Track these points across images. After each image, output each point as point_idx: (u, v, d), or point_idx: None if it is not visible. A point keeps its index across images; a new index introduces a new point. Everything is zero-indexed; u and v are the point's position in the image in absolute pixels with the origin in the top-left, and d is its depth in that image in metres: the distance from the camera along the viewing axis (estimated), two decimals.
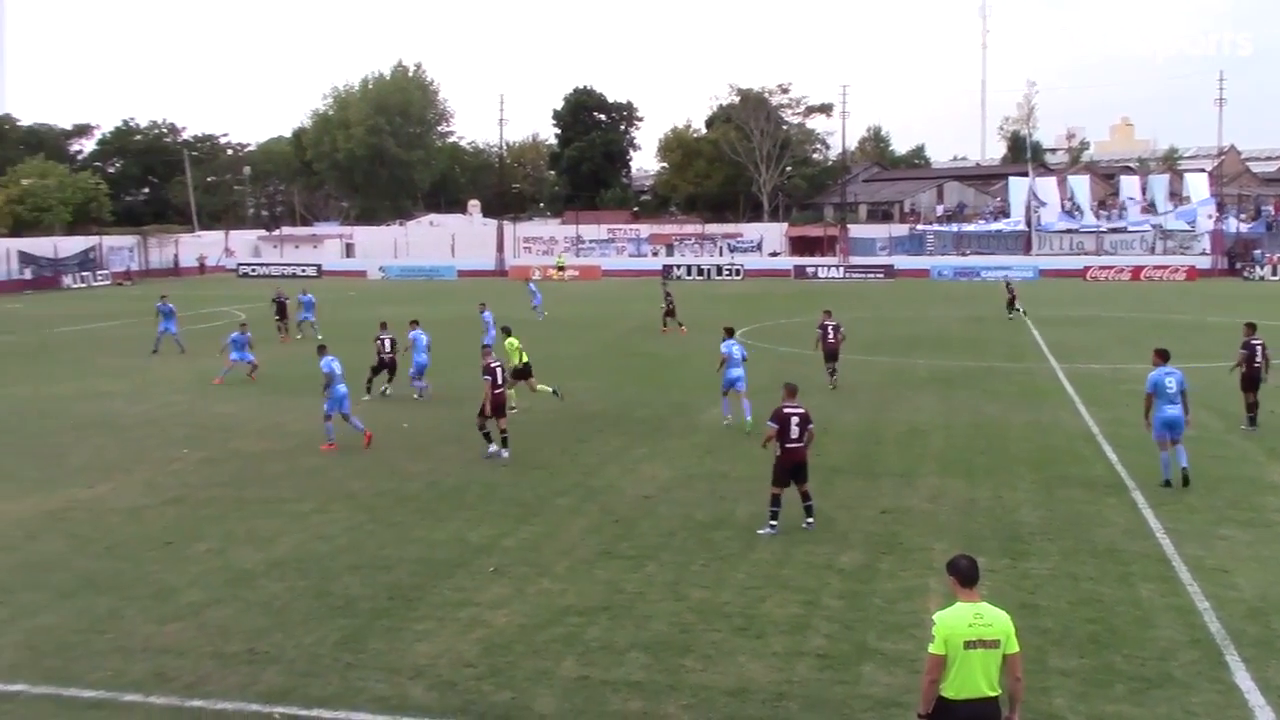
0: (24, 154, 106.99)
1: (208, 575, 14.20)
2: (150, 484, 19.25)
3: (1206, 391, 25.04)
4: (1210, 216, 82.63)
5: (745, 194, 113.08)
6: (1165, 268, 76.56)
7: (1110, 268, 77.63)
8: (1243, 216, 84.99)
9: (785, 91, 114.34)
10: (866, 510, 16.90)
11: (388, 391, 28.21)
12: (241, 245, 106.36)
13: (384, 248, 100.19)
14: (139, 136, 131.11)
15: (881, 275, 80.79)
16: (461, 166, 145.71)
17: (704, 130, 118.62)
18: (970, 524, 16.15)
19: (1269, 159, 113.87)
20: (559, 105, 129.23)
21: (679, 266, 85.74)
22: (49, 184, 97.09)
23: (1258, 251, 76.57)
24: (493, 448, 20.93)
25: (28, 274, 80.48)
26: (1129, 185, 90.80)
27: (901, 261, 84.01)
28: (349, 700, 10.48)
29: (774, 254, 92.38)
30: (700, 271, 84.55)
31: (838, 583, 13.63)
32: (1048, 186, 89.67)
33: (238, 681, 10.91)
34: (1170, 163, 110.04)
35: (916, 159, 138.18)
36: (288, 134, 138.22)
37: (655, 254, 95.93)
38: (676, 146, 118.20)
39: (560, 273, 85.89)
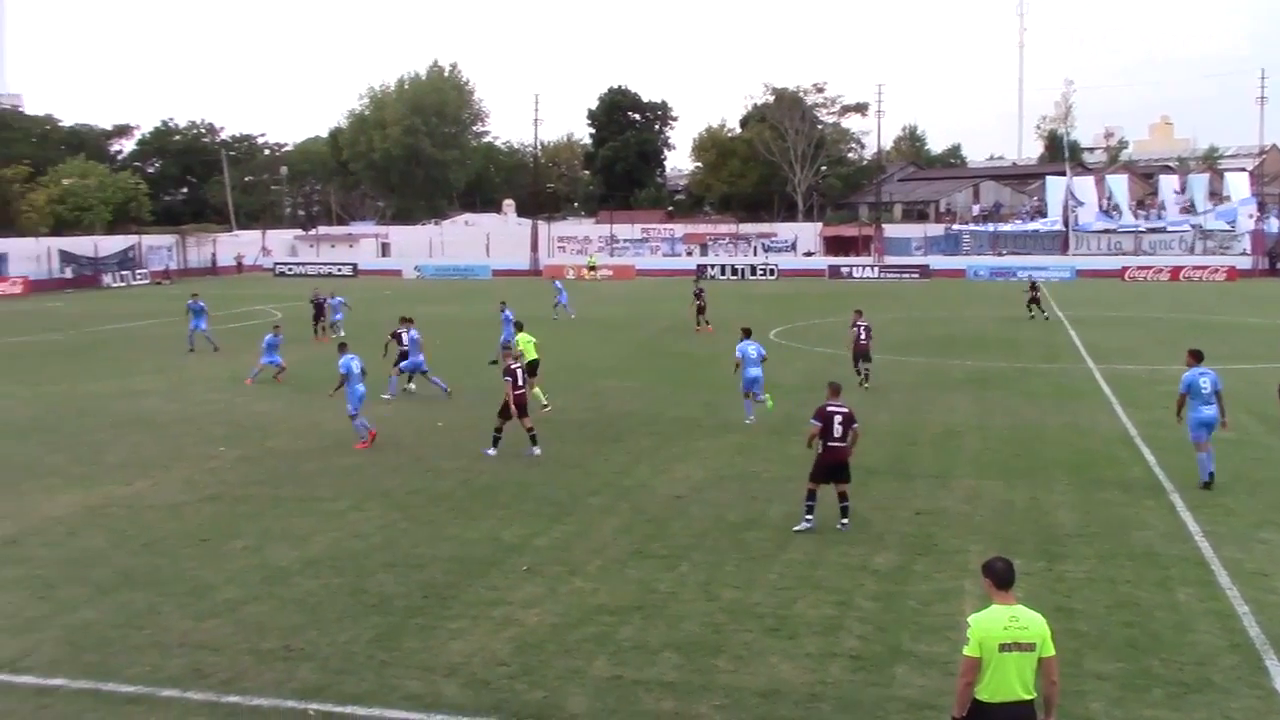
0: (65, 154, 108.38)
1: (244, 572, 14.31)
2: (188, 481, 19.42)
3: (1247, 394, 24.82)
4: (1251, 216, 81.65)
5: (780, 193, 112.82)
6: (1205, 268, 75.74)
7: (1149, 268, 76.89)
8: None
9: (820, 91, 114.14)
10: (901, 511, 16.82)
11: (412, 388, 28.48)
12: (278, 245, 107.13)
13: (419, 247, 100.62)
14: (178, 137, 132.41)
15: (916, 275, 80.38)
16: (496, 166, 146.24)
17: (739, 130, 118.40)
18: (1006, 526, 16.04)
19: None
20: (594, 105, 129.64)
21: (713, 266, 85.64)
22: (89, 184, 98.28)
23: None
24: (492, 451, 20.99)
25: (68, 273, 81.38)
26: (1168, 185, 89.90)
27: (937, 261, 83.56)
28: (383, 697, 10.53)
29: (808, 254, 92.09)
30: (734, 271, 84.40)
31: (872, 584, 13.57)
32: (1085, 186, 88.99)
33: (273, 678, 10.99)
34: (1210, 162, 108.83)
35: (952, 158, 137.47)
36: (324, 134, 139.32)
37: (689, 254, 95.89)
38: (711, 146, 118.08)
39: (592, 272, 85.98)
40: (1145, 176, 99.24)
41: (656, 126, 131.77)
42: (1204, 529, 15.60)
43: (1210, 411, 17.86)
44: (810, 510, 15.87)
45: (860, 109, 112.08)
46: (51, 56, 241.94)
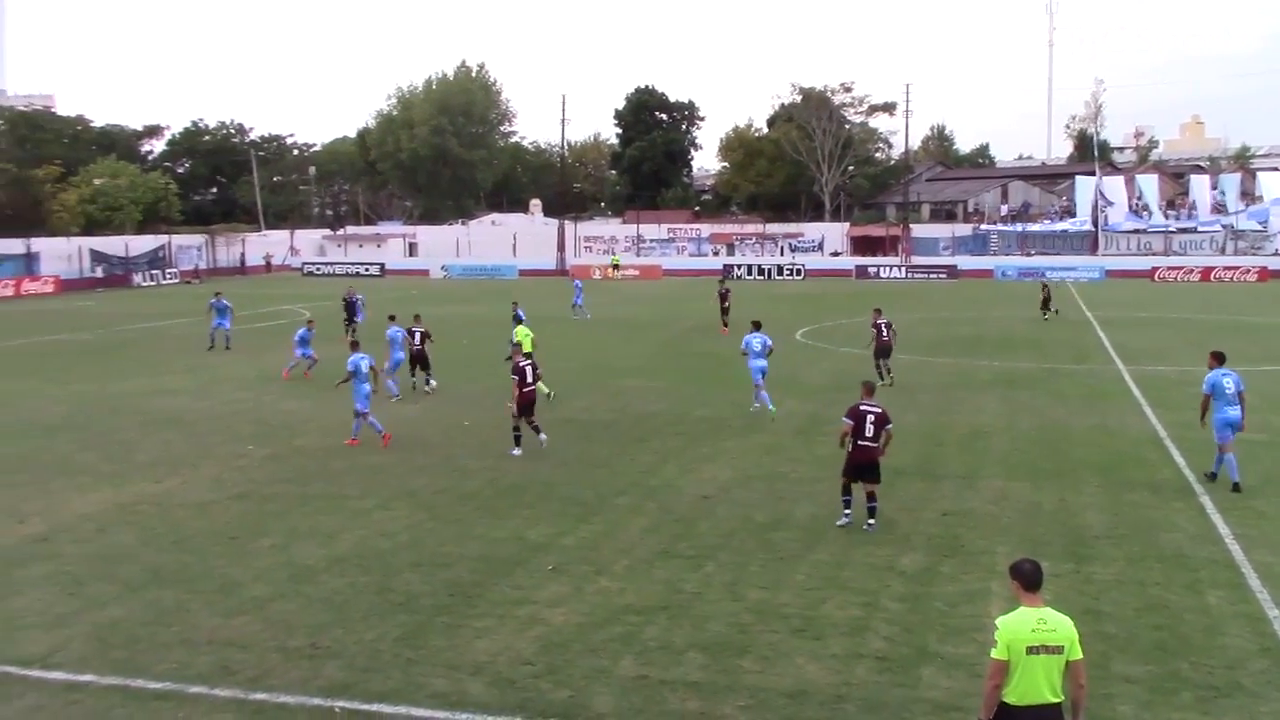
0: (96, 154, 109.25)
1: (271, 570, 14.39)
2: (216, 479, 19.55)
3: (1279, 395, 24.57)
4: None
5: (807, 193, 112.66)
6: (1236, 268, 75.00)
7: (1179, 268, 76.25)
8: None
9: (848, 90, 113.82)
10: (928, 512, 16.75)
11: (431, 386, 28.74)
12: (307, 244, 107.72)
13: (446, 247, 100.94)
14: (207, 137, 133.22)
15: (944, 275, 79.99)
16: (523, 166, 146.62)
17: (765, 129, 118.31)
18: (1034, 527, 15.95)
19: None
20: (620, 105, 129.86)
21: (740, 266, 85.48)
22: (120, 184, 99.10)
23: None
24: (517, 450, 21.13)
25: (99, 272, 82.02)
26: (1199, 184, 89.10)
27: (965, 262, 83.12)
28: (409, 696, 10.57)
29: (835, 254, 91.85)
30: (761, 271, 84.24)
31: (898, 585, 13.52)
32: (1115, 186, 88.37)
33: (300, 676, 11.05)
34: (1242, 161, 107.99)
35: (981, 158, 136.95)
36: (352, 134, 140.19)
37: (716, 254, 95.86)
38: (738, 146, 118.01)
39: (615, 272, 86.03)
40: (1176, 176, 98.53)
41: (683, 126, 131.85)
42: (1234, 531, 15.47)
43: (1235, 412, 17.79)
44: (847, 505, 16.01)
45: (888, 109, 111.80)
46: (84, 58, 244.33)
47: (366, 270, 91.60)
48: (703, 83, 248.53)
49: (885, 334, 29.24)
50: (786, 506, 17.20)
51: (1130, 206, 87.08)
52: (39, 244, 79.84)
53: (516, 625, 12.31)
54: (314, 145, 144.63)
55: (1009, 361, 33.69)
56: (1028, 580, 7.70)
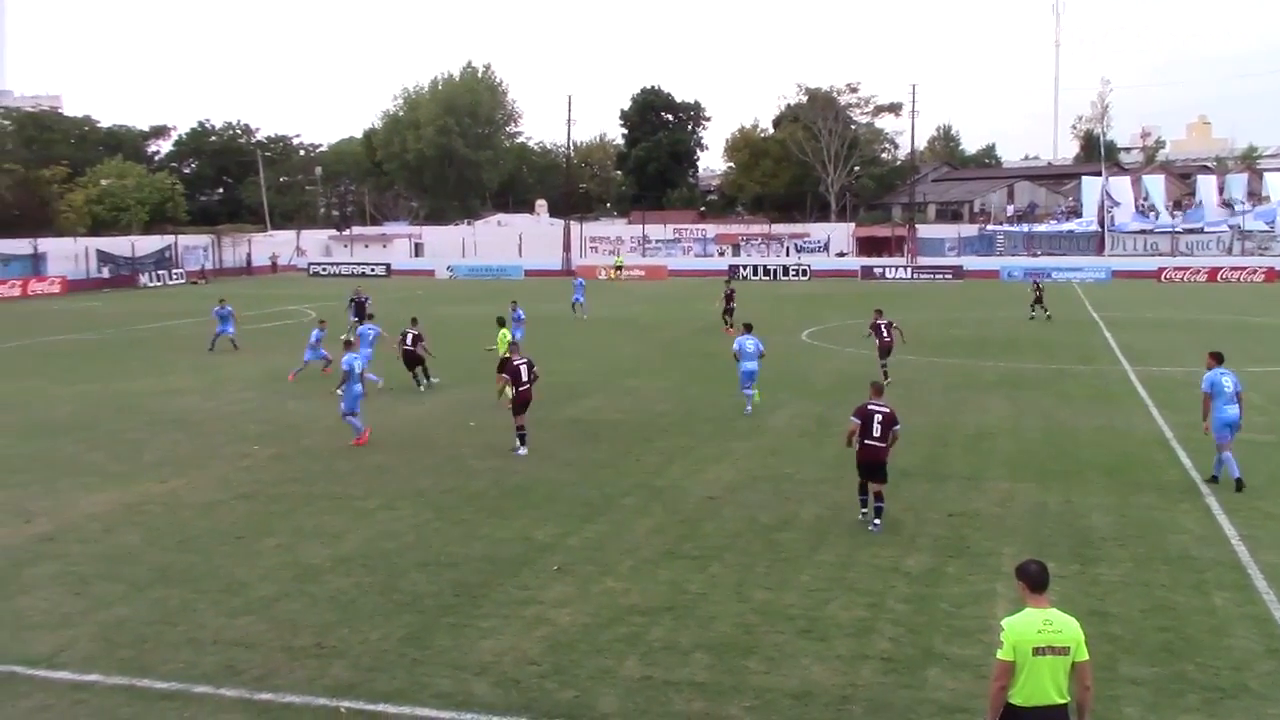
0: (103, 155, 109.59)
1: (277, 570, 14.40)
2: (222, 479, 19.57)
3: None
4: None
5: (812, 194, 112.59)
6: (1243, 269, 74.88)
7: (1185, 269, 76.14)
8: None
9: (854, 91, 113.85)
10: (933, 513, 16.73)
11: (433, 383, 29.12)
12: (313, 245, 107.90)
13: (452, 247, 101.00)
14: (214, 137, 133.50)
15: (950, 276, 79.96)
16: (529, 167, 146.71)
17: (771, 130, 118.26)
18: (1040, 528, 15.93)
19: None
20: (626, 105, 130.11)
21: (745, 266, 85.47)
22: (127, 184, 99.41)
23: None
24: (523, 449, 21.22)
25: (106, 272, 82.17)
26: (1206, 184, 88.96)
27: (970, 262, 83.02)
28: (414, 696, 10.57)
29: (841, 254, 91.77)
30: (767, 272, 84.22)
31: (904, 586, 13.51)
32: (1122, 186, 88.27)
33: (305, 675, 11.06)
34: (1249, 161, 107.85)
35: (987, 158, 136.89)
36: (358, 135, 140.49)
37: (721, 254, 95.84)
38: (744, 146, 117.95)
39: (618, 273, 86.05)
40: (1182, 176, 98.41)
41: (689, 127, 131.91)
42: (1241, 533, 15.44)
43: (1234, 411, 17.88)
44: (864, 502, 16.14)
45: (894, 109, 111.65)
46: (91, 59, 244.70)
47: (372, 271, 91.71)
48: (708, 83, 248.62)
49: (887, 334, 29.61)
50: (792, 507, 17.19)
51: (1137, 207, 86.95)
52: (46, 244, 80.00)
53: (522, 625, 12.31)
54: (320, 146, 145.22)
55: (1015, 362, 33.66)
56: (1034, 581, 7.69)
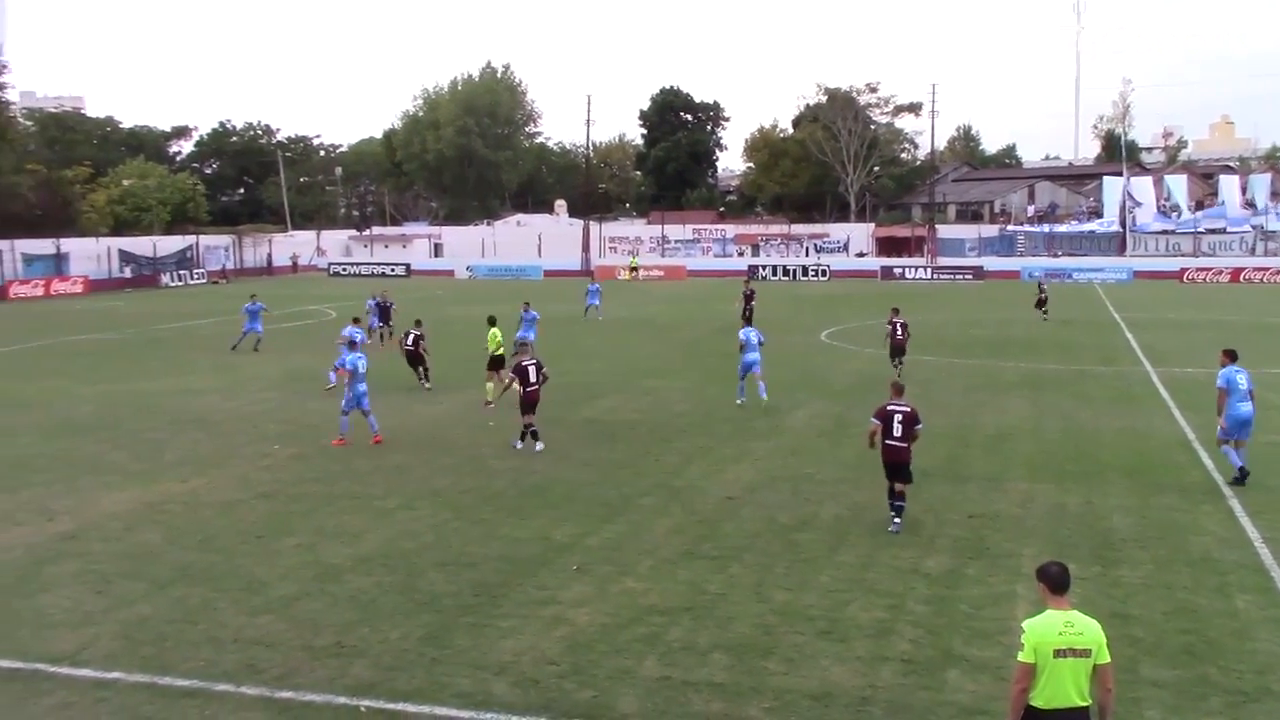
0: (125, 155, 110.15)
1: (297, 569, 14.45)
2: (243, 479, 19.65)
3: None
4: None
5: (832, 194, 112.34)
6: (1266, 269, 74.29)
7: (1208, 269, 75.62)
8: None
9: (873, 91, 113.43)
10: (953, 514, 16.68)
11: (427, 386, 29.44)
12: (333, 245, 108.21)
13: (472, 247, 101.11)
14: (235, 138, 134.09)
15: (970, 276, 79.65)
16: (548, 167, 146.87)
17: (791, 130, 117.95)
18: (1060, 530, 15.86)
19: None
20: (646, 106, 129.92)
21: (764, 267, 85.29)
22: (149, 184, 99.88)
23: None
24: (519, 444, 21.50)
25: (128, 272, 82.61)
26: (1228, 185, 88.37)
27: (991, 263, 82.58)
28: (434, 695, 10.60)
29: (860, 254, 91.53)
30: (786, 272, 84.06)
31: (923, 587, 13.47)
32: (1143, 186, 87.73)
33: (326, 674, 11.09)
34: (1272, 161, 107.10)
35: (1007, 158, 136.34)
36: (378, 135, 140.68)
37: (741, 254, 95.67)
38: (763, 146, 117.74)
39: (633, 273, 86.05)
40: (1205, 176, 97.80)
41: (708, 127, 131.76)
42: (1264, 535, 15.34)
43: (1247, 408, 18.07)
44: (892, 507, 16.07)
45: (914, 109, 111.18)
46: (113, 60, 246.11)
47: (392, 271, 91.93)
48: (728, 83, 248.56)
49: (900, 333, 30.21)
50: (811, 508, 17.16)
51: (1159, 207, 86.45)
52: (68, 244, 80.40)
53: (541, 625, 12.33)
54: (340, 146, 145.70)
55: (1035, 363, 33.51)
56: (1055, 583, 7.65)
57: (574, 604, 12.97)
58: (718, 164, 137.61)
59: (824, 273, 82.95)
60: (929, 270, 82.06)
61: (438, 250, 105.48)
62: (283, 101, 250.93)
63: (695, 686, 10.72)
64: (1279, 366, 29.85)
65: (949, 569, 14.16)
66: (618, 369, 33.22)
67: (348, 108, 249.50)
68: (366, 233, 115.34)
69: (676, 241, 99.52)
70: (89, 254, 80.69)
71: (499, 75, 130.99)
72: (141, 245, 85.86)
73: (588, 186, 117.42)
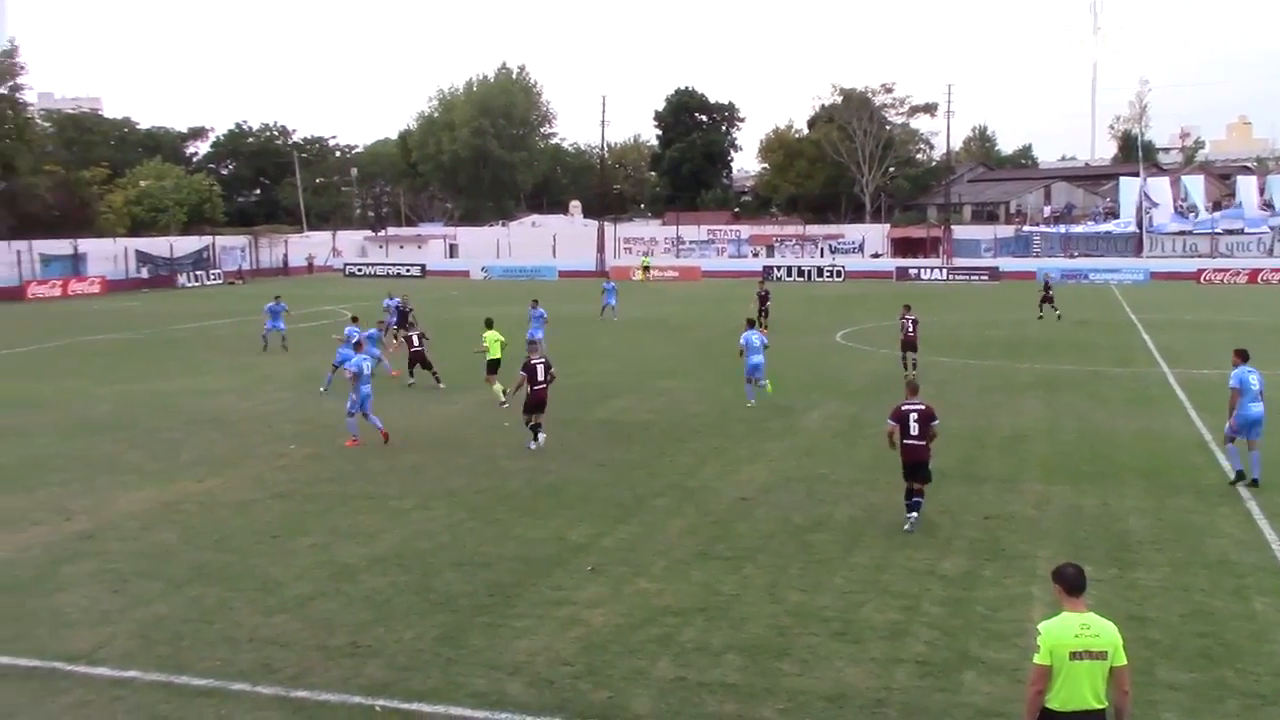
0: (142, 156, 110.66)
1: (312, 569, 14.49)
2: (258, 479, 19.71)
3: None
4: None
5: (847, 195, 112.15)
6: None
7: (1225, 270, 75.24)
8: None
9: (889, 91, 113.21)
10: (969, 516, 16.63)
11: (411, 383, 29.95)
12: (348, 245, 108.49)
13: (487, 248, 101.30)
14: (251, 139, 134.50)
15: (986, 277, 79.39)
16: (563, 168, 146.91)
17: (806, 131, 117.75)
18: (1076, 532, 15.80)
19: None
20: (660, 106, 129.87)
21: (779, 268, 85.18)
22: (165, 185, 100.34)
23: None
24: (533, 444, 21.62)
25: (144, 273, 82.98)
26: (1246, 185, 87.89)
27: (1007, 263, 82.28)
28: (449, 695, 10.61)
29: (876, 255, 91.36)
30: (801, 273, 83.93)
31: (939, 589, 13.43)
32: (1160, 187, 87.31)
33: (340, 674, 11.12)
34: None
35: (1023, 159, 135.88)
36: (394, 136, 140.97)
37: (755, 255, 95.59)
38: (778, 147, 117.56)
39: (646, 273, 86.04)
40: (1222, 177, 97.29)
41: (723, 128, 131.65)
42: None
43: (1258, 409, 17.98)
44: (909, 508, 16.06)
45: (929, 109, 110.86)
46: (131, 61, 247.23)
47: (408, 271, 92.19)
48: (743, 84, 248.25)
49: (911, 330, 30.63)
50: (826, 509, 17.13)
51: (1176, 208, 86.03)
52: (86, 245, 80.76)
53: (556, 626, 12.33)
54: (356, 147, 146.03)
55: (1051, 364, 33.40)
56: (1071, 585, 7.62)
57: (588, 604, 12.98)
58: (732, 165, 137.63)
59: (839, 274, 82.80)
60: (944, 271, 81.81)
61: (453, 251, 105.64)
62: (299, 103, 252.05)
63: (709, 687, 10.71)
64: None
65: (965, 570, 14.12)
66: (632, 369, 33.23)
67: (363, 109, 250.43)
68: (382, 233, 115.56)
69: (691, 242, 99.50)
70: (106, 254, 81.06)
71: (514, 76, 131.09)
72: (158, 246, 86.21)
73: (602, 187, 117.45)
